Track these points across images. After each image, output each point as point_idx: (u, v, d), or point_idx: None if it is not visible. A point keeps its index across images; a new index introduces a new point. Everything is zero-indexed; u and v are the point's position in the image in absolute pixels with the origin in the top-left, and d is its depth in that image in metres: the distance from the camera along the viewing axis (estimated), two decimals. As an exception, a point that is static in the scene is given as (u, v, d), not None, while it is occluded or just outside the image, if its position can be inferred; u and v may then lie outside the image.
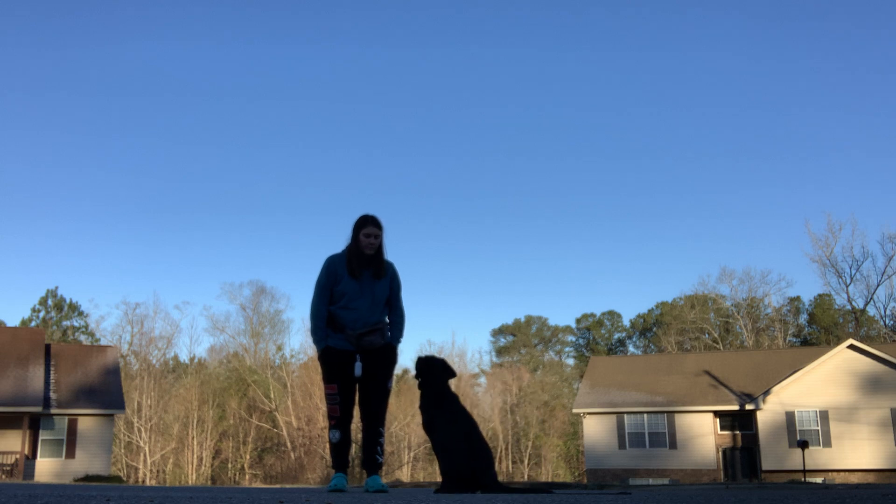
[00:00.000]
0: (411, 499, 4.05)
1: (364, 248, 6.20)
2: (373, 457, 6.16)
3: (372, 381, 6.20)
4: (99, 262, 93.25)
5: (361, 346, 6.16)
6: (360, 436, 6.42)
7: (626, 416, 35.70)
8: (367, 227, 6.20)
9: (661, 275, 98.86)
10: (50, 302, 63.74)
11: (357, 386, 6.24)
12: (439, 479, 6.00)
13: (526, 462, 62.42)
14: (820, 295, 69.19)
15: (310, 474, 53.79)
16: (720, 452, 34.74)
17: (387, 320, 6.38)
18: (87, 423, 31.46)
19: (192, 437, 57.00)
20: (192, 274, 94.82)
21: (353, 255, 6.22)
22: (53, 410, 30.73)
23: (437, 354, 6.83)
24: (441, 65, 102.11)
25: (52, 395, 31.27)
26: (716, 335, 66.64)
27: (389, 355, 6.31)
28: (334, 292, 6.27)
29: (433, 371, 6.16)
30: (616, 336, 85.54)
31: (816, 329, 69.07)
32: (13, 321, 60.27)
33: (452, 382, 6.25)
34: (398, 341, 6.41)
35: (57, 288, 64.40)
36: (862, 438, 31.84)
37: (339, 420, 6.15)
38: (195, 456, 57.11)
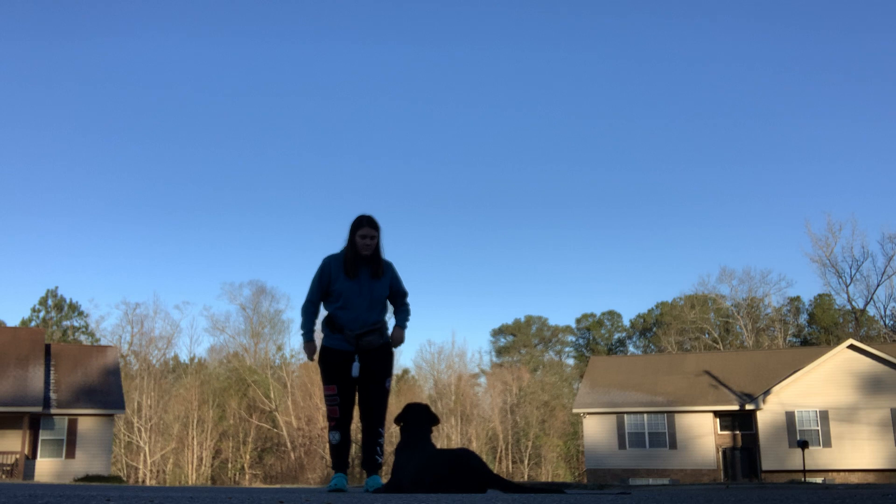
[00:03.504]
0: (411, 499, 4.05)
1: (360, 249, 6.21)
2: (372, 457, 6.19)
3: (371, 382, 6.20)
4: (99, 262, 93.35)
5: (360, 346, 6.15)
6: (359, 436, 6.40)
7: (626, 416, 35.70)
8: (363, 228, 6.20)
9: (661, 275, 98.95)
10: (50, 302, 63.75)
11: (356, 386, 6.23)
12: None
13: (526, 462, 62.40)
14: (820, 295, 69.25)
15: (310, 474, 53.79)
16: (720, 452, 34.74)
17: (385, 320, 6.37)
18: (87, 423, 31.46)
19: (192, 437, 56.99)
20: (192, 274, 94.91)
21: (350, 256, 6.22)
22: (53, 410, 30.73)
23: (421, 401, 6.38)
24: (443, 66, 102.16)
25: (52, 395, 31.27)
26: (716, 335, 66.64)
27: (388, 355, 6.31)
28: (331, 291, 6.28)
29: (414, 417, 5.80)
30: (616, 336, 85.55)
31: (816, 329, 69.07)
32: (13, 321, 60.35)
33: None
34: (404, 325, 6.41)
35: (57, 288, 64.48)
36: (862, 438, 31.84)
37: (338, 421, 6.15)
38: (195, 456, 57.10)
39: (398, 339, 6.36)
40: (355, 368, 6.12)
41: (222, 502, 3.76)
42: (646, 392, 36.30)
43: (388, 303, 6.48)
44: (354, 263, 6.22)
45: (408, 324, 6.46)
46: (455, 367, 66.35)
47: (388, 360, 6.33)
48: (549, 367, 77.09)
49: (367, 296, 6.23)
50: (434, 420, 5.77)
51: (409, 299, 6.55)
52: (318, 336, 6.52)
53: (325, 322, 6.34)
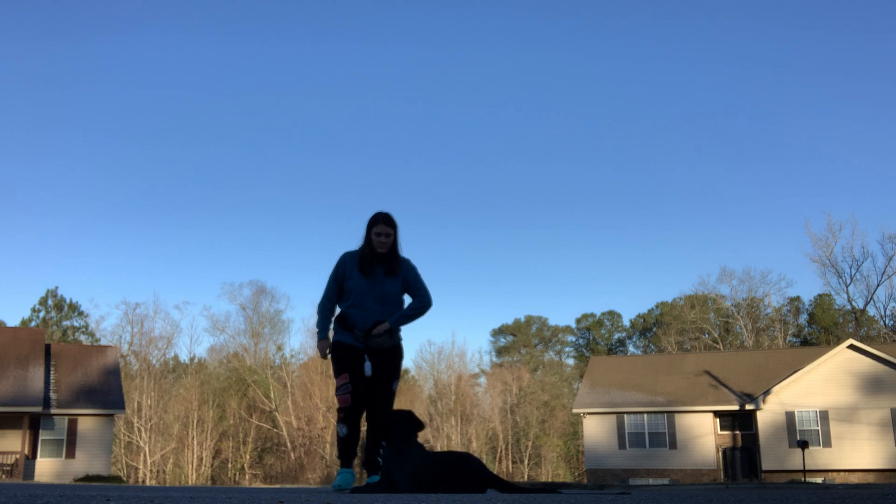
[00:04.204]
0: (411, 499, 4.06)
1: (376, 247, 6.15)
2: (375, 458, 6.13)
3: (378, 383, 6.13)
4: (99, 262, 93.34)
5: (370, 346, 6.08)
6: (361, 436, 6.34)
7: (626, 416, 35.70)
8: (378, 226, 6.14)
9: (661, 275, 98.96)
10: (50, 302, 63.76)
11: (366, 385, 6.16)
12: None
13: (526, 462, 62.41)
14: (820, 295, 69.25)
15: (310, 474, 53.80)
16: (720, 452, 34.74)
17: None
18: (87, 423, 31.46)
19: (192, 437, 57.00)
20: (192, 274, 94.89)
21: (366, 254, 6.17)
22: (53, 410, 30.73)
23: (404, 408, 6.07)
24: (443, 66, 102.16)
25: (52, 395, 31.27)
26: (716, 335, 66.64)
27: (397, 357, 6.25)
28: (344, 289, 6.23)
29: (401, 424, 5.63)
30: (616, 336, 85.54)
31: (816, 329, 69.07)
32: (13, 321, 60.34)
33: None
34: (397, 321, 6.15)
35: (57, 288, 64.48)
36: (862, 438, 31.85)
37: (348, 412, 6.05)
38: (195, 456, 57.11)
39: (380, 328, 6.08)
40: (368, 368, 6.05)
41: (222, 502, 3.76)
42: (646, 392, 36.30)
43: (407, 301, 6.35)
44: (370, 261, 6.15)
45: (405, 321, 6.21)
46: (455, 367, 66.38)
47: (398, 361, 6.26)
48: (549, 367, 77.08)
49: (378, 294, 6.15)
50: (419, 426, 5.69)
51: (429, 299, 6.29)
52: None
53: (337, 319, 6.27)
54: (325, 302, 6.28)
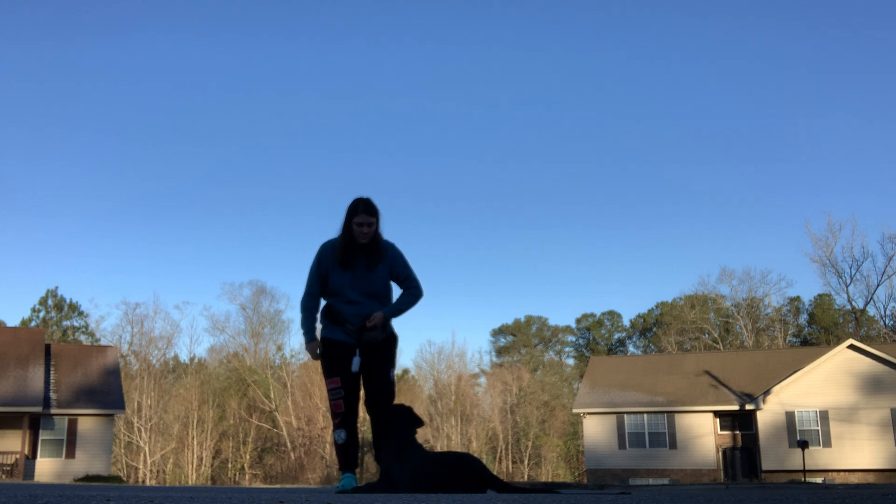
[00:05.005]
0: (411, 499, 4.05)
1: (357, 238, 5.81)
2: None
3: (375, 375, 5.88)
4: (99, 262, 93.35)
5: (363, 340, 5.83)
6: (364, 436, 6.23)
7: (626, 416, 35.70)
8: (359, 216, 5.77)
9: (661, 275, 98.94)
10: (50, 302, 63.76)
11: (360, 381, 5.89)
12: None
13: (526, 462, 62.40)
14: (820, 295, 69.25)
15: (310, 474, 53.80)
16: (720, 452, 34.74)
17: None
18: (87, 423, 31.46)
19: (192, 437, 57.00)
20: (192, 274, 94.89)
21: (345, 245, 5.83)
22: (53, 410, 30.73)
23: (405, 403, 5.88)
24: (443, 65, 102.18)
25: (52, 395, 31.28)
26: (716, 335, 66.64)
27: (390, 346, 5.98)
28: (329, 283, 5.92)
29: (400, 419, 5.59)
30: (616, 336, 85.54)
31: (816, 329, 69.07)
32: (13, 321, 60.34)
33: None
34: (391, 311, 5.91)
35: (57, 288, 64.49)
36: (862, 438, 31.85)
37: (343, 417, 5.78)
38: (195, 456, 57.11)
39: (375, 319, 5.78)
40: (355, 363, 5.78)
41: (222, 502, 3.76)
42: (646, 392, 36.30)
43: (397, 287, 6.07)
44: (352, 253, 5.83)
45: (397, 314, 5.96)
46: (455, 367, 66.39)
47: (392, 350, 5.99)
48: (549, 367, 77.07)
49: (364, 288, 5.86)
50: (418, 422, 5.58)
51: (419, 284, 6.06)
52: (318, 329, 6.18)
53: (324, 313, 5.98)
54: (309, 298, 5.95)
